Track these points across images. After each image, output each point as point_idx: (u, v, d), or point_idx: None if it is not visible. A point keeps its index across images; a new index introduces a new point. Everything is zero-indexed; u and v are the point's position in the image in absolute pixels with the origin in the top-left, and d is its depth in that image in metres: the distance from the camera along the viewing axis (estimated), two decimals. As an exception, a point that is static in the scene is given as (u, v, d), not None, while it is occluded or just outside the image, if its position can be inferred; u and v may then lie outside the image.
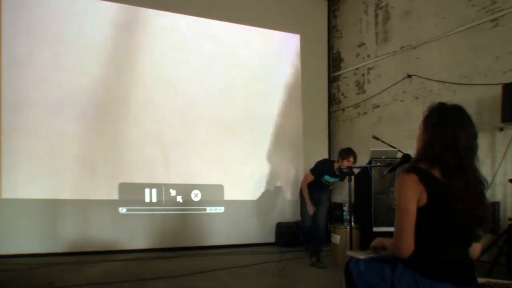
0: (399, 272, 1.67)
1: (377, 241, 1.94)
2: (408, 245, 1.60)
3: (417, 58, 5.41)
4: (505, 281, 1.96)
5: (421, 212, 1.60)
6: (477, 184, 1.63)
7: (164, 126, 5.56)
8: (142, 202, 5.36)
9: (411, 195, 1.60)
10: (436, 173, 1.62)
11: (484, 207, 1.61)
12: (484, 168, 1.86)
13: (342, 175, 4.48)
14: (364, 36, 6.41)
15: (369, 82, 6.31)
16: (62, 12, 5.13)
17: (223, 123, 5.89)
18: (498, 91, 4.16)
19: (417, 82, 5.37)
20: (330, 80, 7.03)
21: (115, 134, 5.30)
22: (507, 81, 4.11)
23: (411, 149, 1.89)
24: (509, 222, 3.71)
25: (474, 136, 1.65)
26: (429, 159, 1.64)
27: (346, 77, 6.84)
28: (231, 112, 5.96)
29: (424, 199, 1.59)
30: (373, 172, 4.42)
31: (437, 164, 1.62)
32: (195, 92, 5.76)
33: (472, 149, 1.64)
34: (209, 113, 5.82)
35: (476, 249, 1.74)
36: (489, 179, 3.88)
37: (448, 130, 1.62)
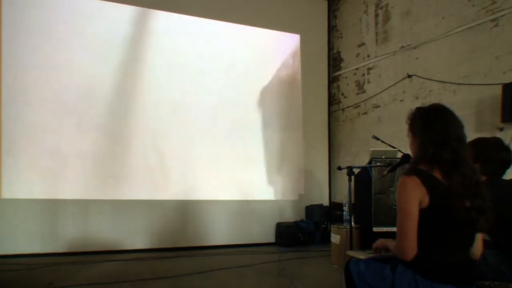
0: (399, 272, 1.67)
1: (379, 242, 1.95)
2: (411, 248, 1.60)
3: (417, 58, 5.41)
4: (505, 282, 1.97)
5: (423, 214, 1.60)
6: (473, 174, 1.64)
7: (163, 124, 5.55)
8: (142, 201, 5.36)
9: (412, 197, 1.59)
10: (437, 174, 1.63)
11: (482, 198, 1.62)
12: (484, 168, 1.90)
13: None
14: (364, 36, 6.41)
15: (369, 82, 6.31)
16: (62, 12, 5.13)
17: (222, 123, 5.89)
18: (498, 91, 4.17)
19: (417, 82, 5.37)
20: (330, 80, 7.03)
21: (116, 134, 5.29)
22: (507, 81, 4.11)
23: (411, 149, 1.89)
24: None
25: (461, 127, 1.69)
26: (427, 160, 1.65)
27: (346, 77, 6.84)
28: (230, 112, 5.96)
29: (426, 201, 1.59)
30: (373, 172, 4.42)
31: (436, 164, 1.63)
32: (193, 91, 5.75)
33: (463, 139, 1.68)
34: (208, 112, 5.82)
35: (478, 248, 1.74)
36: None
37: (436, 127, 1.66)
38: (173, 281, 3.80)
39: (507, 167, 2.24)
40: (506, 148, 2.24)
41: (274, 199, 6.18)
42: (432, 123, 1.68)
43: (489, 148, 2.21)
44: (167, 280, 3.84)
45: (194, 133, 5.71)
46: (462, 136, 1.68)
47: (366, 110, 6.34)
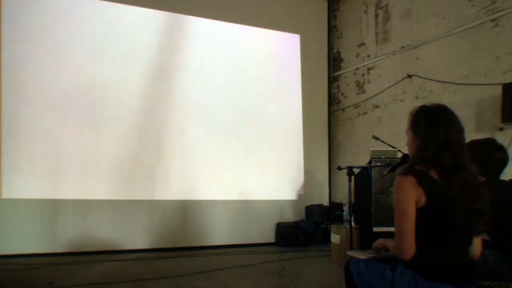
0: (399, 272, 1.67)
1: (379, 242, 1.95)
2: (409, 247, 1.60)
3: (417, 58, 5.41)
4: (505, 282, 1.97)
5: (420, 213, 1.60)
6: (473, 178, 1.63)
7: (163, 124, 5.56)
8: (142, 201, 5.36)
9: (409, 197, 1.59)
10: (434, 174, 1.62)
11: (482, 201, 1.61)
12: (484, 168, 1.94)
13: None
14: (364, 36, 6.41)
15: (369, 82, 6.31)
16: (62, 12, 5.13)
17: (222, 123, 5.89)
18: (498, 91, 4.17)
19: (417, 82, 5.38)
20: (330, 80, 7.03)
21: (115, 134, 5.29)
22: (507, 81, 4.11)
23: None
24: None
25: (462, 131, 1.68)
26: (425, 161, 1.64)
27: (346, 77, 6.84)
28: (230, 112, 5.96)
29: (422, 200, 1.59)
30: (373, 172, 4.42)
31: (434, 165, 1.63)
32: (193, 91, 5.75)
33: (463, 144, 1.67)
34: (208, 113, 5.81)
35: (477, 248, 1.74)
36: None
37: (440, 130, 1.64)
38: (173, 281, 3.80)
39: (503, 167, 2.25)
40: (501, 147, 2.26)
41: (274, 199, 6.18)
42: (436, 124, 1.65)
43: (485, 148, 2.22)
44: (167, 280, 3.84)
45: (194, 133, 5.71)
46: (463, 141, 1.67)
47: (366, 110, 6.34)
